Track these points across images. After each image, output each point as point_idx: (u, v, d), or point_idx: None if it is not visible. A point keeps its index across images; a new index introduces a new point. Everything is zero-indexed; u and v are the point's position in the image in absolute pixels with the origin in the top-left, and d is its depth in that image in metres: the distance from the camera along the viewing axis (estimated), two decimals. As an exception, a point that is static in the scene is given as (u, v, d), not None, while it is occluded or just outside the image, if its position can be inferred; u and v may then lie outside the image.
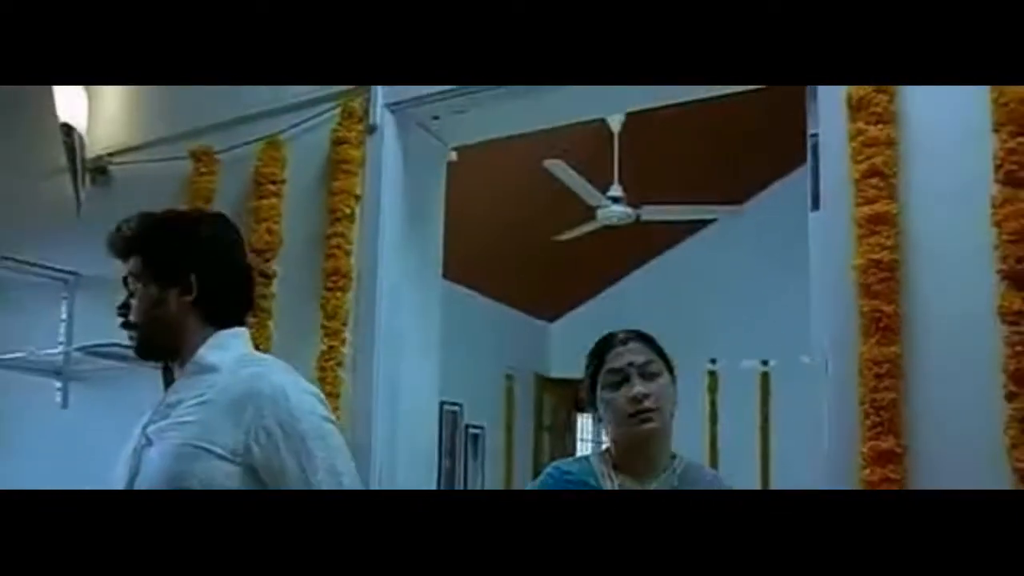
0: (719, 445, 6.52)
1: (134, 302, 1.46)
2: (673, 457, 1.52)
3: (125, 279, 1.48)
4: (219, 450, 1.32)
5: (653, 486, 1.44)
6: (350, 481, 1.37)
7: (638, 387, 1.42)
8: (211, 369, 1.41)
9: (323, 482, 1.33)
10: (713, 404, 6.72)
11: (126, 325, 1.47)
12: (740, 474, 5.57)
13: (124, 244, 1.48)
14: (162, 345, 1.47)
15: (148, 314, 1.45)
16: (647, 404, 1.42)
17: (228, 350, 1.44)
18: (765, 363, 6.59)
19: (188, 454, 1.32)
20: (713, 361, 6.70)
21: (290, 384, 1.40)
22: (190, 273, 1.45)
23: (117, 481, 1.42)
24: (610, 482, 1.45)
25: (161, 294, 1.45)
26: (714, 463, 6.10)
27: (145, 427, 1.42)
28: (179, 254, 1.46)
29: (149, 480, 1.35)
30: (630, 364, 1.43)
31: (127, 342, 1.50)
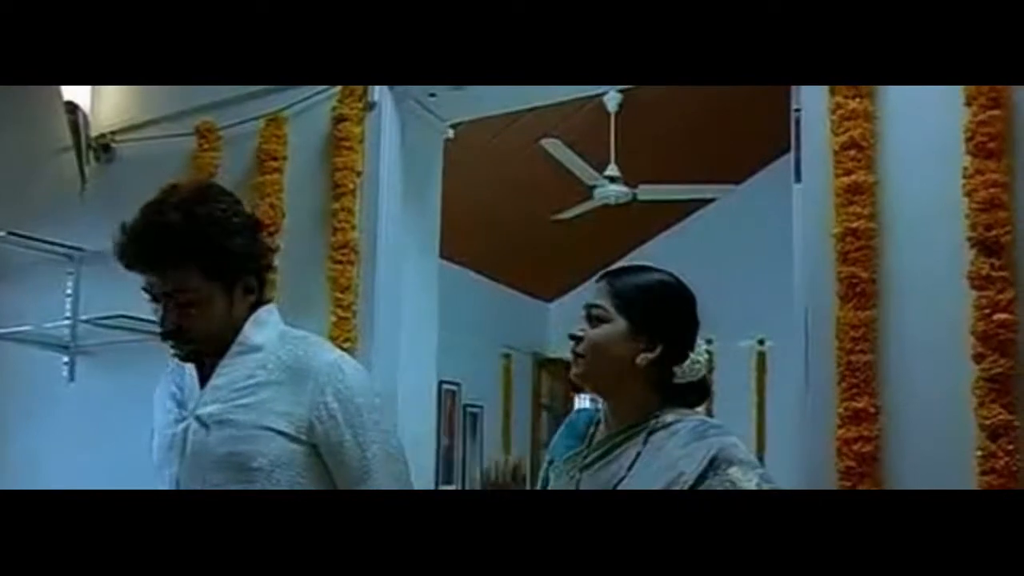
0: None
1: (193, 312, 1.36)
2: (656, 416, 1.33)
3: (165, 292, 1.35)
4: (286, 429, 1.34)
5: (620, 440, 1.34)
6: (400, 456, 1.42)
7: (575, 329, 1.36)
8: (256, 349, 1.40)
9: (376, 456, 1.37)
10: (710, 382, 6.80)
11: (179, 336, 1.37)
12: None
13: (166, 253, 1.33)
14: (220, 342, 1.39)
15: (216, 320, 1.38)
16: (575, 348, 1.35)
17: (268, 327, 1.43)
18: (762, 342, 6.66)
19: (255, 436, 1.33)
20: (709, 341, 6.76)
21: (343, 360, 1.43)
22: (251, 274, 1.42)
23: (163, 463, 1.40)
24: (599, 429, 1.39)
25: (227, 297, 1.39)
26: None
27: (194, 409, 1.38)
28: (239, 258, 1.39)
29: (213, 462, 1.34)
30: (584, 305, 1.38)
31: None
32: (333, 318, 2.30)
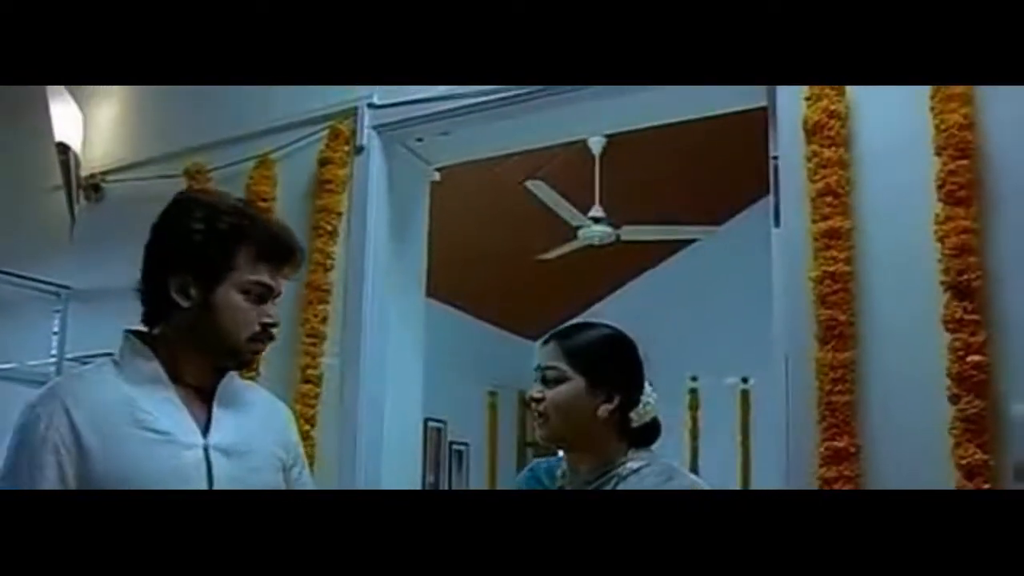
0: (700, 460, 6.60)
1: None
2: (622, 463, 1.41)
3: (278, 291, 1.36)
4: (281, 465, 1.40)
5: (591, 491, 1.40)
6: None
7: (532, 390, 1.44)
8: (242, 387, 1.41)
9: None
10: (694, 420, 6.81)
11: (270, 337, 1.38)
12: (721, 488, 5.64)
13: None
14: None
15: None
16: (536, 408, 1.43)
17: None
18: (745, 380, 6.69)
19: (272, 467, 1.38)
20: (694, 378, 6.80)
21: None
22: None
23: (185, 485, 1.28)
24: (560, 480, 1.47)
25: None
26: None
27: (208, 438, 1.31)
28: None
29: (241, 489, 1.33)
30: (536, 367, 1.45)
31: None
32: (303, 358, 2.34)
